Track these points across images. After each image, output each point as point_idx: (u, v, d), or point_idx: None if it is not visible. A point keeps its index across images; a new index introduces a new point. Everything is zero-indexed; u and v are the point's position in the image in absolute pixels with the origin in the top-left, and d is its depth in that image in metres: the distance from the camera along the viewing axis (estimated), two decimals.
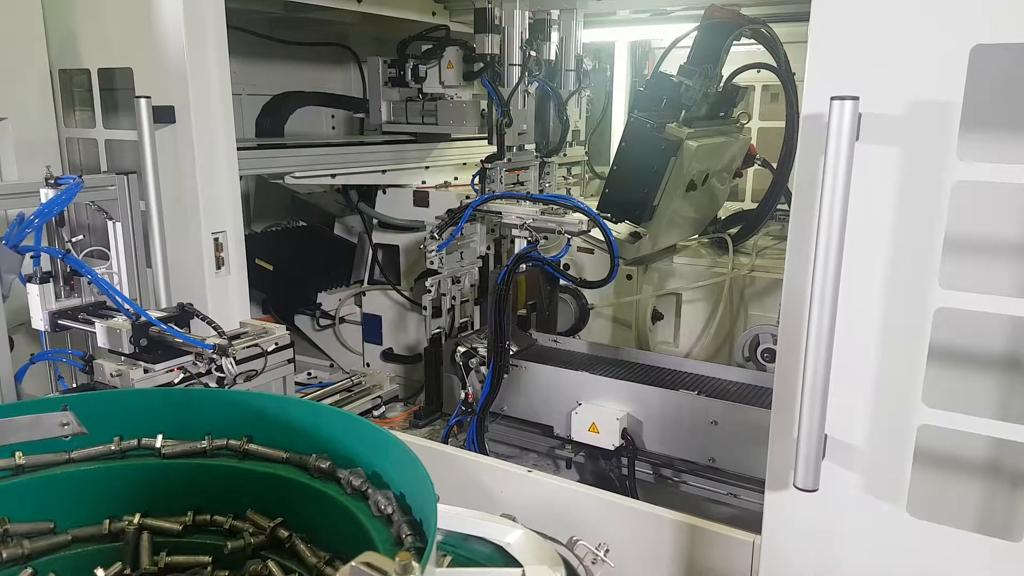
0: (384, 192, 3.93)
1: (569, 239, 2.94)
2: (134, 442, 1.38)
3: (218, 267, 2.81)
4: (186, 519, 1.35)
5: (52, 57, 2.92)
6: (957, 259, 1.80)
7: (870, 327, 1.68)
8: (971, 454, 1.91)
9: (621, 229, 3.45)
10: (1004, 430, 1.59)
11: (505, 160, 3.40)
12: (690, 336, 3.73)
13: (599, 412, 2.79)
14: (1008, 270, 1.83)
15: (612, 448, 2.77)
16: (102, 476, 1.35)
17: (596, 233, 3.43)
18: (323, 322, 4.19)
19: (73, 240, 2.22)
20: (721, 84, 3.65)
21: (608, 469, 2.89)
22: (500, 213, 2.98)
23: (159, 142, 2.64)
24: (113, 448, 1.36)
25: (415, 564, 0.82)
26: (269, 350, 1.98)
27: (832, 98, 1.51)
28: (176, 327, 1.91)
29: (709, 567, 2.31)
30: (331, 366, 4.25)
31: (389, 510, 1.23)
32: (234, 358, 1.82)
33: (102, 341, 1.87)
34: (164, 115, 2.65)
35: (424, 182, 3.97)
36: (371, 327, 4.06)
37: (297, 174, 3.44)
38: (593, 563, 1.24)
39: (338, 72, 5.30)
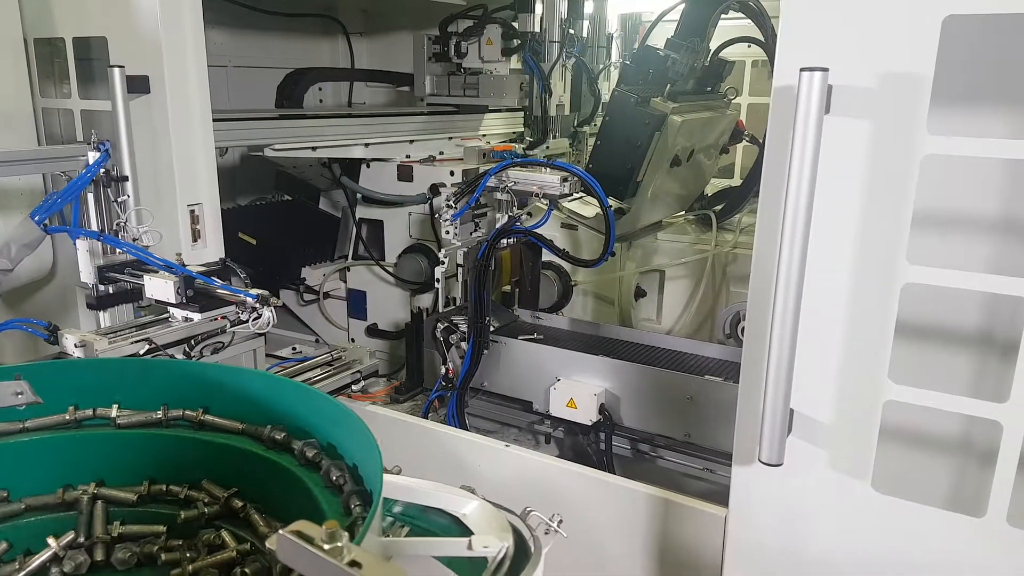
0: (368, 166, 3.89)
1: (550, 208, 2.92)
2: (89, 412, 1.37)
3: (194, 239, 2.79)
4: (141, 489, 1.35)
5: (27, 26, 2.87)
6: (932, 235, 1.79)
7: (837, 302, 1.67)
8: (942, 431, 1.91)
9: None
10: (969, 406, 1.60)
11: (544, 147, 3.61)
12: (673, 313, 3.73)
13: (577, 388, 2.80)
14: (983, 246, 1.81)
15: (590, 423, 2.78)
16: (57, 445, 1.34)
17: (575, 206, 3.41)
18: (308, 297, 4.18)
19: (120, 200, 2.29)
20: (708, 58, 3.60)
21: (586, 444, 2.90)
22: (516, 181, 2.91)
23: (134, 113, 2.61)
24: (68, 418, 1.36)
25: (342, 532, 0.82)
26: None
27: (801, 69, 1.49)
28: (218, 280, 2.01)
29: (682, 540, 2.33)
30: (316, 341, 4.25)
31: (341, 481, 1.23)
32: (273, 308, 1.88)
33: (150, 293, 1.94)
34: (138, 85, 2.62)
35: (408, 156, 3.93)
36: (356, 302, 4.06)
37: (277, 146, 3.41)
38: (546, 533, 1.24)
39: (325, 44, 5.25)
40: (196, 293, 1.99)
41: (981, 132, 1.67)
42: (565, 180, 2.82)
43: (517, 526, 1.22)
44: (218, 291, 1.95)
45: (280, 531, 0.82)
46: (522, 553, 1.15)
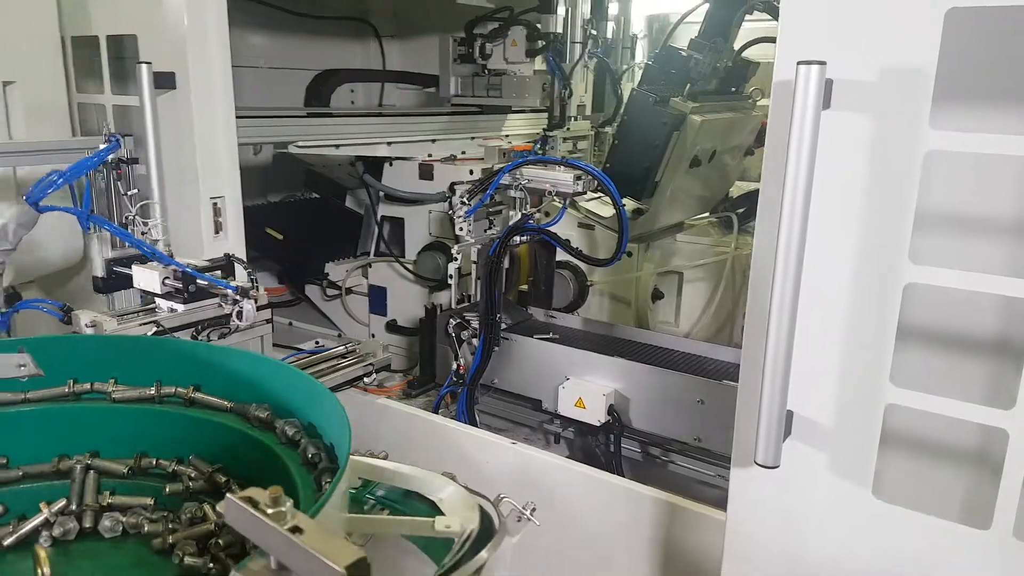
0: (391, 164, 3.95)
1: (564, 206, 2.92)
2: (87, 386, 1.43)
3: (216, 231, 2.86)
4: (132, 462, 1.39)
5: (64, 24, 2.99)
6: (949, 237, 1.74)
7: (838, 302, 1.64)
8: (960, 442, 1.85)
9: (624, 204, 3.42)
10: (973, 412, 1.55)
11: (565, 128, 3.60)
12: (691, 316, 3.68)
13: (586, 387, 2.78)
14: (1002, 248, 1.76)
15: (598, 424, 2.76)
16: (55, 416, 1.40)
17: (593, 206, 3.40)
18: (331, 292, 4.25)
19: (129, 193, 2.37)
20: (732, 59, 3.56)
21: (594, 445, 2.88)
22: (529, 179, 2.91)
23: (161, 108, 2.70)
24: (67, 391, 1.41)
25: (286, 498, 0.84)
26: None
27: (798, 63, 1.47)
28: (210, 274, 2.07)
29: (686, 544, 2.30)
30: (339, 336, 4.31)
31: (316, 459, 1.26)
32: (255, 300, 1.92)
33: (137, 283, 2.01)
34: (164, 80, 2.70)
35: (430, 155, 3.98)
36: (377, 298, 4.11)
37: (301, 143, 3.48)
38: (518, 520, 1.25)
39: (358, 47, 5.34)
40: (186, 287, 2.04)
41: (997, 131, 1.62)
42: (579, 178, 2.82)
43: (488, 510, 1.23)
44: (204, 284, 2.01)
45: (227, 495, 0.84)
46: (489, 535, 1.16)
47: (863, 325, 1.62)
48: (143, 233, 2.16)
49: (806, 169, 1.49)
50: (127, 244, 2.22)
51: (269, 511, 0.82)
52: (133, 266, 2.09)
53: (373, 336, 4.10)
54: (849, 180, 1.58)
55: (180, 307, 1.98)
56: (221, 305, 2.03)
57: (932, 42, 1.45)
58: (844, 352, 1.65)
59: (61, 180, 2.11)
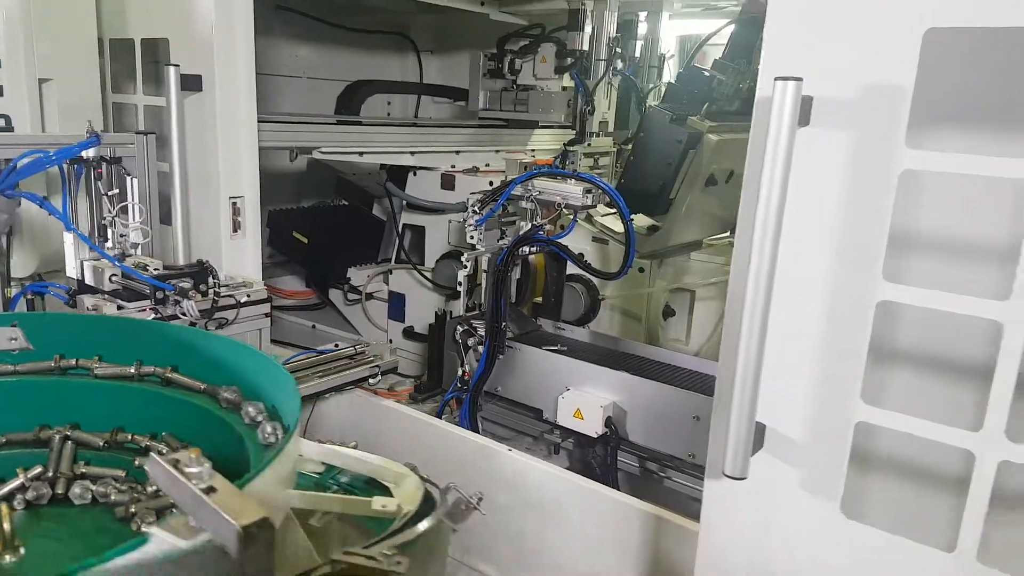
0: (414, 174, 4.04)
1: (575, 218, 2.95)
2: (73, 361, 1.51)
3: (235, 230, 2.98)
4: (108, 435, 1.47)
5: (104, 27, 3.17)
6: (941, 260, 1.72)
7: (810, 317, 1.63)
8: (944, 465, 1.82)
9: (638, 221, 3.43)
10: (939, 432, 1.52)
11: (586, 144, 3.67)
12: (702, 334, 3.65)
13: (585, 399, 2.79)
14: (990, 273, 1.73)
15: (595, 435, 2.76)
16: (39, 388, 1.48)
17: (608, 221, 3.42)
18: (352, 297, 4.35)
19: (109, 193, 2.43)
20: (755, 80, 3.56)
21: (590, 456, 2.88)
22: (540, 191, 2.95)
23: (187, 109, 2.83)
24: (53, 365, 1.50)
25: (205, 460, 0.89)
26: (241, 301, 2.11)
27: (775, 78, 1.49)
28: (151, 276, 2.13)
29: (669, 555, 2.31)
30: (358, 339, 4.40)
31: (272, 439, 1.31)
32: (195, 301, 1.99)
33: (87, 279, 2.08)
34: (192, 83, 2.84)
35: (453, 166, 4.05)
36: (396, 305, 4.18)
37: (325, 149, 3.60)
38: (464, 508, 1.28)
39: (397, 60, 5.49)
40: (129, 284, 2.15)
41: (976, 152, 1.60)
42: (589, 191, 2.85)
43: (434, 496, 1.27)
44: (142, 283, 2.12)
45: (151, 455, 0.90)
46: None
47: (836, 341, 1.61)
48: (122, 235, 2.24)
49: (780, 183, 1.50)
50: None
51: (187, 470, 0.88)
52: (83, 262, 2.18)
53: (391, 341, 4.17)
54: (825, 197, 1.58)
55: (128, 304, 2.07)
56: (164, 304, 2.13)
57: (910, 61, 1.45)
58: (816, 367, 1.64)
59: (30, 168, 2.15)
